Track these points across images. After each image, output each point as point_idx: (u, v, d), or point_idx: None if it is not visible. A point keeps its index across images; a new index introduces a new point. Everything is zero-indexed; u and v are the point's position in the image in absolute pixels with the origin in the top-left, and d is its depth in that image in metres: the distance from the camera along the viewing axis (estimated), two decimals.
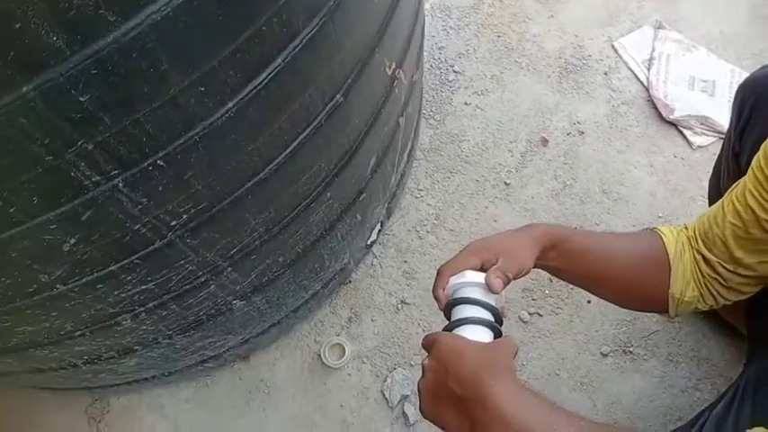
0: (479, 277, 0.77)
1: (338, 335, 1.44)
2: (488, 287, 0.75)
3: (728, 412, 0.87)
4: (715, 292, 0.85)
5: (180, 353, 1.18)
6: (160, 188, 0.72)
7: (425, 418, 0.72)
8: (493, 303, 0.76)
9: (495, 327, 0.74)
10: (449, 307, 0.78)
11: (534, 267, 0.87)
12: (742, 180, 0.78)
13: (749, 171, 0.75)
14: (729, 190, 0.82)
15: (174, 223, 0.80)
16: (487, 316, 0.75)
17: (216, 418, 1.39)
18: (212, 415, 1.39)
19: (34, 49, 0.50)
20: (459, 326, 0.73)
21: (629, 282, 0.89)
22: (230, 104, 0.70)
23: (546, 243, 0.85)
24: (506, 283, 0.77)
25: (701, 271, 0.85)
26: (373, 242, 1.48)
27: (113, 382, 1.26)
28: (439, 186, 1.59)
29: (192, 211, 0.80)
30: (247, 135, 0.77)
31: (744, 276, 0.79)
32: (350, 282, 1.49)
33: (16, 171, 0.58)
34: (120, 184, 0.67)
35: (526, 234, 0.86)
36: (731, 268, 0.81)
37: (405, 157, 1.43)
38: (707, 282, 0.84)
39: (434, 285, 0.81)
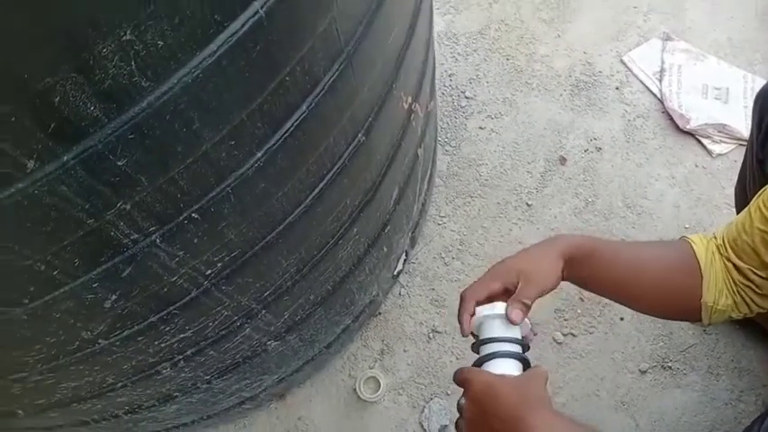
0: (501, 308, 0.78)
1: (372, 368, 1.44)
2: (508, 320, 0.77)
3: None
4: (749, 300, 0.84)
5: (218, 396, 1.19)
6: (195, 240, 0.73)
7: None
8: (517, 335, 0.78)
9: (524, 357, 0.76)
10: (476, 343, 0.80)
11: (562, 280, 0.87)
12: (767, 188, 0.78)
13: None
14: (756, 196, 0.82)
15: (209, 272, 0.81)
16: (514, 348, 0.77)
17: None
18: None
19: (73, 120, 0.52)
20: (488, 361, 0.76)
21: (659, 289, 0.88)
22: (259, 154, 0.72)
23: (571, 254, 0.85)
24: (526, 312, 0.79)
25: (733, 279, 0.84)
26: (400, 272, 1.48)
27: (154, 429, 1.27)
28: (461, 212, 1.60)
29: (226, 259, 0.82)
30: (276, 182, 0.78)
31: None
32: (379, 314, 1.50)
33: (58, 236, 0.60)
34: (158, 240, 0.69)
35: (549, 248, 0.86)
36: (764, 275, 0.80)
37: (425, 185, 1.44)
38: (740, 290, 0.83)
39: (459, 311, 0.82)
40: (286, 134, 0.73)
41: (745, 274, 0.82)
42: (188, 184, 0.66)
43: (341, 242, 1.05)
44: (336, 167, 0.90)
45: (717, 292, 0.85)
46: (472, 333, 0.83)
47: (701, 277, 0.86)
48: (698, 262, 0.87)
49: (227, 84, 0.61)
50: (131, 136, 0.56)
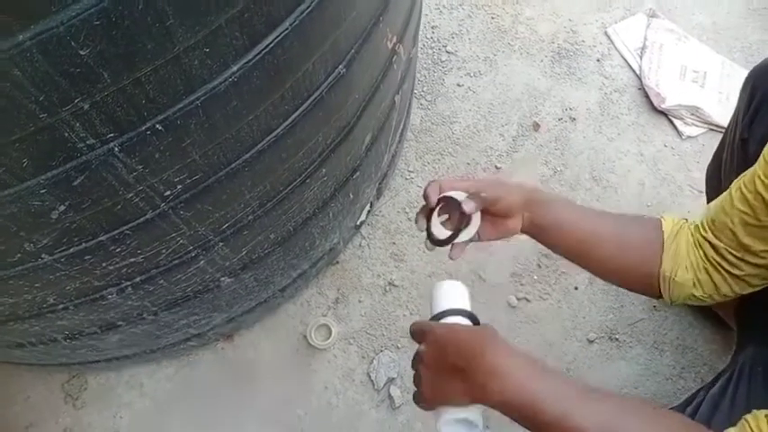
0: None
1: (325, 315, 1.42)
2: (464, 207, 0.82)
3: (724, 394, 0.88)
4: (719, 280, 0.84)
5: (164, 330, 1.14)
6: (157, 155, 0.68)
7: (423, 403, 0.77)
8: (468, 308, 0.83)
9: (475, 317, 0.80)
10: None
11: (524, 233, 0.90)
12: (752, 168, 0.77)
13: (760, 159, 0.74)
14: (738, 178, 0.81)
15: (167, 193, 0.76)
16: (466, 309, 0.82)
17: (197, 398, 1.35)
18: (194, 394, 1.36)
19: None
20: (444, 317, 0.80)
21: (620, 249, 0.89)
22: (234, 68, 0.66)
23: (536, 195, 0.89)
24: (479, 206, 0.83)
25: (707, 257, 0.85)
26: (362, 222, 1.45)
27: (92, 359, 1.22)
28: (429, 168, 1.57)
29: (188, 181, 0.77)
30: (249, 102, 0.73)
31: (752, 265, 0.79)
32: (338, 262, 1.46)
33: (7, 128, 0.54)
34: (116, 149, 0.63)
35: (517, 183, 0.90)
36: (739, 255, 0.80)
37: (397, 136, 1.40)
38: (714, 268, 0.83)
39: (425, 191, 0.86)
40: (265, 50, 0.68)
41: (722, 253, 0.82)
42: (154, 90, 0.61)
43: (308, 181, 1.00)
44: (313, 98, 0.85)
45: (675, 264, 0.85)
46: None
47: (662, 249, 0.87)
48: (662, 234, 0.88)
49: None
50: (97, 22, 0.50)
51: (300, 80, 0.80)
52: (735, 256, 0.80)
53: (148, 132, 0.64)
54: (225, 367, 1.38)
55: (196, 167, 0.76)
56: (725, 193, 0.82)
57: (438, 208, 0.86)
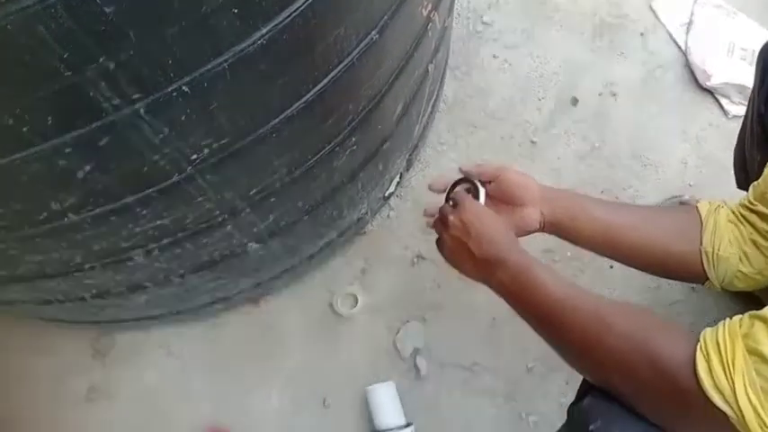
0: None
1: (351, 285, 1.41)
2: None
3: None
4: (766, 249, 0.82)
5: (191, 292, 1.15)
6: (183, 117, 0.67)
7: (443, 256, 0.90)
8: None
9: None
10: None
11: (546, 231, 0.91)
12: None
13: None
14: None
15: (194, 157, 0.75)
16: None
17: (224, 359, 1.37)
18: (220, 355, 1.37)
19: None
20: None
21: (655, 230, 0.87)
22: (263, 30, 0.65)
23: (553, 190, 0.91)
24: (469, 170, 0.92)
25: (755, 229, 0.83)
26: (391, 194, 1.43)
27: (121, 318, 1.24)
28: (462, 141, 1.53)
29: (214, 145, 0.76)
30: (278, 67, 0.71)
31: None
32: (365, 233, 1.45)
33: (31, 85, 0.53)
34: (142, 110, 0.62)
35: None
36: None
37: (429, 107, 1.37)
38: (763, 237, 0.82)
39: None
40: (295, 13, 0.66)
41: None
42: (181, 51, 0.59)
43: (337, 149, 0.99)
44: (344, 64, 0.82)
45: (717, 238, 0.84)
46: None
47: (701, 227, 0.85)
48: (698, 215, 0.87)
49: None
50: None
51: (331, 45, 0.77)
52: None
53: (174, 94, 0.63)
54: (251, 331, 1.39)
55: (223, 132, 0.75)
56: None
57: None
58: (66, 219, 0.74)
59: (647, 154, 1.50)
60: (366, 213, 1.36)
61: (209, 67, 0.63)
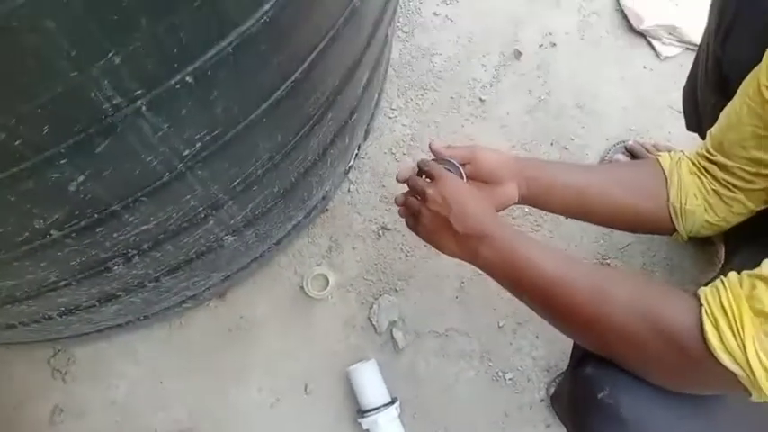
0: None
1: (319, 265, 1.37)
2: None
3: None
4: (731, 199, 0.84)
5: (163, 295, 1.07)
6: (183, 111, 0.60)
7: (417, 234, 0.85)
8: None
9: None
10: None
11: (522, 203, 0.91)
12: (750, 82, 0.76)
13: (761, 67, 0.72)
14: (737, 95, 0.80)
15: (186, 153, 0.68)
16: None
17: (195, 359, 1.29)
18: (190, 356, 1.30)
19: None
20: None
21: (623, 192, 0.89)
22: (267, 6, 0.58)
23: (527, 161, 0.91)
24: (442, 150, 0.88)
25: (716, 180, 0.85)
26: (351, 167, 1.39)
27: (82, 332, 1.13)
28: (413, 105, 1.50)
29: (207, 138, 0.69)
30: (276, 45, 0.65)
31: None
32: (327, 210, 1.41)
33: (31, 91, 0.45)
34: (144, 107, 0.55)
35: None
36: (753, 170, 0.81)
37: (382, 72, 1.33)
38: (726, 187, 0.83)
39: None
40: None
41: (734, 172, 0.82)
42: (188, 36, 0.52)
43: (315, 128, 0.93)
44: (329, 36, 0.77)
45: (683, 193, 0.86)
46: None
47: (667, 182, 0.87)
48: (662, 169, 0.88)
49: None
50: None
51: (320, 17, 0.72)
52: (749, 173, 0.81)
53: (178, 86, 0.56)
54: (220, 325, 1.32)
55: (217, 122, 0.68)
56: (725, 115, 0.82)
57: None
58: (47, 237, 0.65)
59: (589, 103, 1.53)
60: (330, 190, 1.32)
61: (214, 52, 0.56)
